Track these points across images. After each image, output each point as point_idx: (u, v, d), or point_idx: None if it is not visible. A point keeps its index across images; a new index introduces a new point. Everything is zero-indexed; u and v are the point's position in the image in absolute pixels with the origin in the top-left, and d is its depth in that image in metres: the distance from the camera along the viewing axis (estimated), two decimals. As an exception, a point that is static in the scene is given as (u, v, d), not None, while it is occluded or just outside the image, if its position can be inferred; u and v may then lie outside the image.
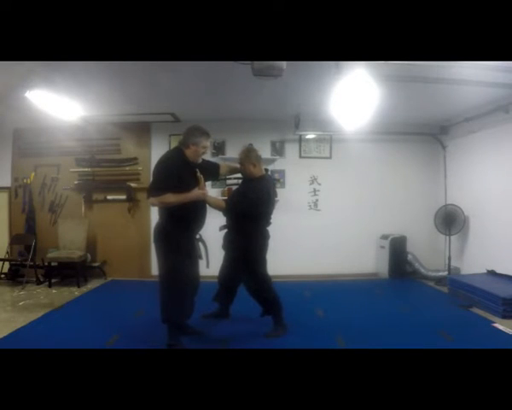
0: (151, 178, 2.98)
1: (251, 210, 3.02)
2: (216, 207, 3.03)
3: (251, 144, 5.61)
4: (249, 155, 3.16)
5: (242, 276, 3.20)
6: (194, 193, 2.76)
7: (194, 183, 2.82)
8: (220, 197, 5.49)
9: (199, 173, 2.89)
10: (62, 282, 5.28)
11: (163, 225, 2.87)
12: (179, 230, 2.80)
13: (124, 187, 5.60)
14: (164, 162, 2.83)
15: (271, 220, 3.26)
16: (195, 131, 2.85)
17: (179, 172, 2.74)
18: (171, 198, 2.69)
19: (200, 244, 3.05)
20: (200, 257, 3.02)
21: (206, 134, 2.85)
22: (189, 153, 2.83)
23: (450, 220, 5.17)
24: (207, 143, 2.88)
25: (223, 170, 3.28)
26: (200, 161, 2.92)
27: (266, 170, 3.36)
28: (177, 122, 5.63)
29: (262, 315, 3.24)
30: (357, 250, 5.78)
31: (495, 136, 4.62)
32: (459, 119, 5.19)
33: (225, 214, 3.13)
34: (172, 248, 2.79)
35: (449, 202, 5.43)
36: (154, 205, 2.92)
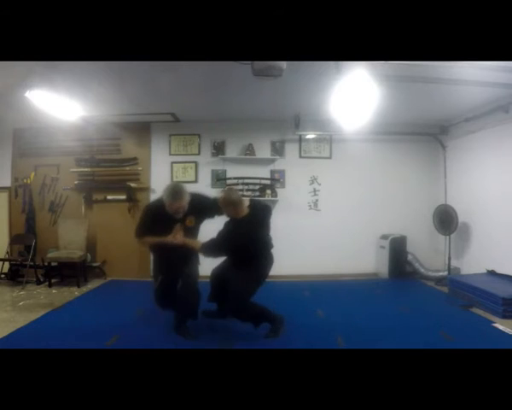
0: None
1: (234, 253, 3.04)
2: (192, 248, 3.05)
3: (251, 144, 5.64)
4: (225, 199, 3.02)
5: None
6: (166, 239, 2.96)
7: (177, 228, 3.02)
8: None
9: (179, 225, 3.03)
10: (62, 282, 5.27)
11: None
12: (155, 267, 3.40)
13: (124, 187, 5.61)
14: (145, 209, 3.33)
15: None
16: (165, 191, 3.00)
17: (155, 220, 3.03)
18: (148, 240, 3.12)
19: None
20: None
21: (171, 196, 2.93)
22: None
23: (445, 220, 5.18)
24: (174, 204, 2.93)
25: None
26: (177, 216, 3.01)
27: (254, 203, 3.21)
28: (177, 122, 5.64)
29: (255, 327, 3.16)
30: (357, 250, 5.77)
31: (495, 136, 4.62)
32: (459, 119, 5.19)
33: (205, 255, 3.10)
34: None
35: (449, 202, 5.43)
36: (139, 243, 3.37)
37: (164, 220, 2.99)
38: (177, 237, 2.98)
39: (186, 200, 2.98)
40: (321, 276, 5.59)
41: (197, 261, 3.27)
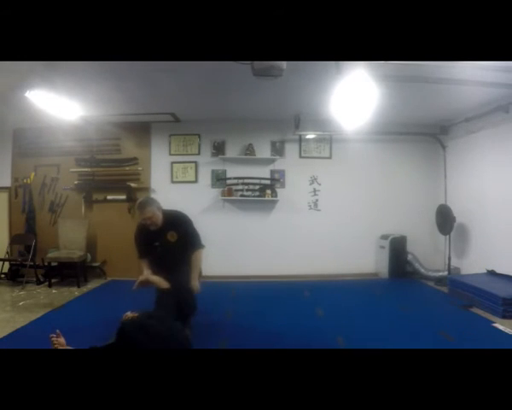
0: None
1: None
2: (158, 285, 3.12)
3: (251, 144, 5.64)
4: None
5: None
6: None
7: (158, 244, 3.13)
8: (220, 197, 5.61)
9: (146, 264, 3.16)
10: (62, 282, 5.27)
11: None
12: None
13: (124, 187, 5.61)
14: (135, 229, 3.33)
15: None
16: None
17: (143, 237, 3.19)
18: (142, 264, 3.23)
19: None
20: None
21: (136, 209, 3.20)
22: None
23: (442, 220, 5.19)
24: (140, 216, 3.09)
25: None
26: (152, 228, 3.09)
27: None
28: (177, 122, 5.64)
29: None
30: (357, 250, 5.78)
31: (495, 136, 4.62)
32: (459, 119, 5.19)
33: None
34: None
35: (449, 202, 5.44)
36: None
37: (148, 235, 3.13)
38: (143, 274, 3.11)
39: (151, 211, 3.07)
40: (321, 276, 5.59)
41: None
